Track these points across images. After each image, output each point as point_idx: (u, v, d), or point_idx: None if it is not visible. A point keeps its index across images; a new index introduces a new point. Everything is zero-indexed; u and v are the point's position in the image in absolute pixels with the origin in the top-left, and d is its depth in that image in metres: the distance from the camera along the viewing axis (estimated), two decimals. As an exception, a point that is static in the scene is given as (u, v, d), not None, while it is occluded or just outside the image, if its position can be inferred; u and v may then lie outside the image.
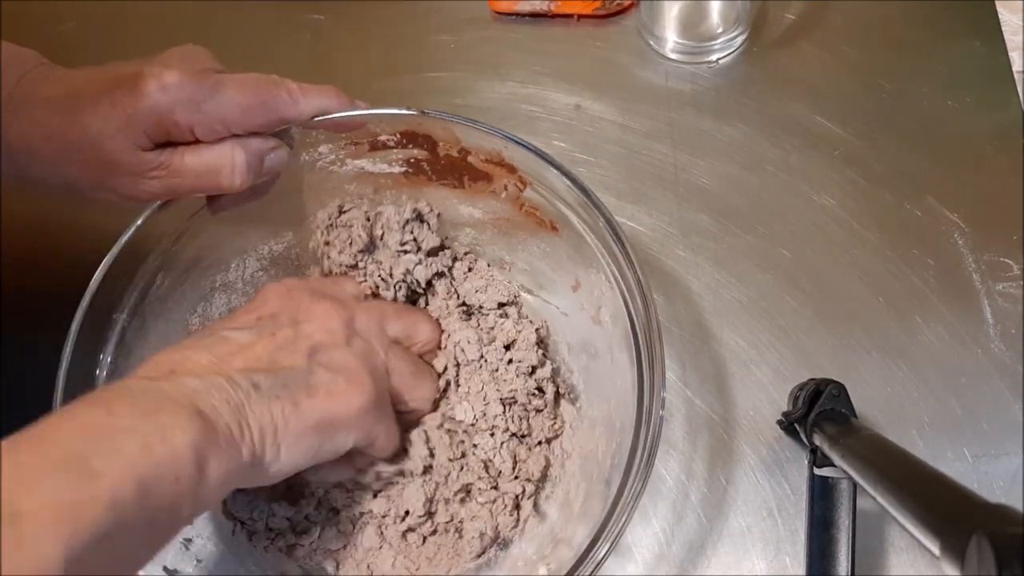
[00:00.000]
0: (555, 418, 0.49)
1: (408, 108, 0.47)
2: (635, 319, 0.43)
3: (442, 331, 0.48)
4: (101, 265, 0.44)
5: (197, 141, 0.42)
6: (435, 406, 0.47)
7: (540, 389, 0.47)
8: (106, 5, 0.70)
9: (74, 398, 0.42)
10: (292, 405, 0.37)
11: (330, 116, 0.45)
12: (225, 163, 0.43)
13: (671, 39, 0.64)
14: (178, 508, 0.32)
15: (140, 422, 0.31)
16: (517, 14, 0.68)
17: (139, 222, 0.45)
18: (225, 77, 0.42)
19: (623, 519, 0.38)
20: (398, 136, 0.49)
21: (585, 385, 0.50)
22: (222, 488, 0.34)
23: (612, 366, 0.46)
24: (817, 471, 0.45)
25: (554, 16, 0.67)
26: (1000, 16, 0.64)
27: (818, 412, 0.45)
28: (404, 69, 0.66)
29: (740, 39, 0.65)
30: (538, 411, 0.48)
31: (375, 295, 0.48)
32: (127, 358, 0.46)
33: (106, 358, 0.45)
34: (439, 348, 0.48)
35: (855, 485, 0.44)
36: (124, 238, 0.45)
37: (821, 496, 0.45)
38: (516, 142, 0.46)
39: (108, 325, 0.45)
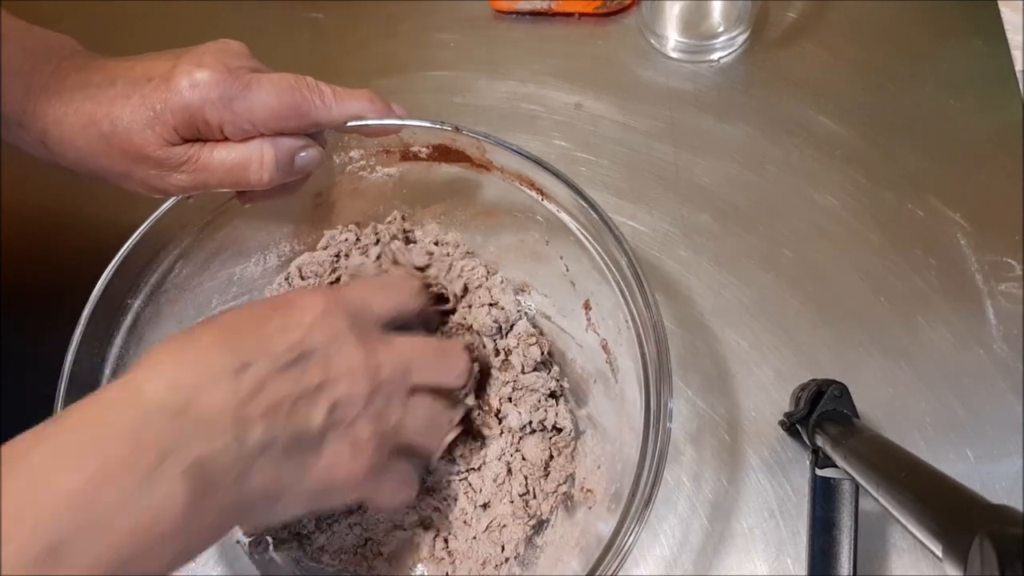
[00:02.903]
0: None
1: (442, 123, 0.46)
2: (641, 331, 0.43)
3: (471, 372, 0.45)
4: (121, 250, 0.45)
5: (226, 139, 0.42)
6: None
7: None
8: (106, 5, 0.70)
9: (80, 382, 0.43)
10: (296, 470, 0.35)
11: (363, 123, 0.45)
12: (253, 159, 0.42)
13: (672, 38, 0.64)
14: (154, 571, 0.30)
15: (130, 502, 0.29)
16: (517, 12, 0.67)
17: (163, 210, 0.45)
18: (258, 77, 0.42)
19: (632, 532, 0.38)
20: (430, 148, 0.49)
21: (595, 410, 0.50)
22: (205, 544, 0.33)
23: (620, 386, 0.46)
24: (819, 472, 0.44)
25: (555, 15, 0.67)
26: (1002, 15, 0.64)
27: (820, 413, 0.45)
28: (404, 68, 0.66)
29: (741, 38, 0.64)
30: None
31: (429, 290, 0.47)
32: (138, 344, 0.46)
33: (117, 342, 0.46)
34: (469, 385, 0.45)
35: (857, 486, 0.43)
36: (147, 225, 0.45)
37: (823, 497, 0.44)
38: (547, 169, 0.45)
39: (122, 310, 0.46)
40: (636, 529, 0.38)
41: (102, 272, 0.45)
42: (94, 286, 0.44)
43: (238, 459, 0.32)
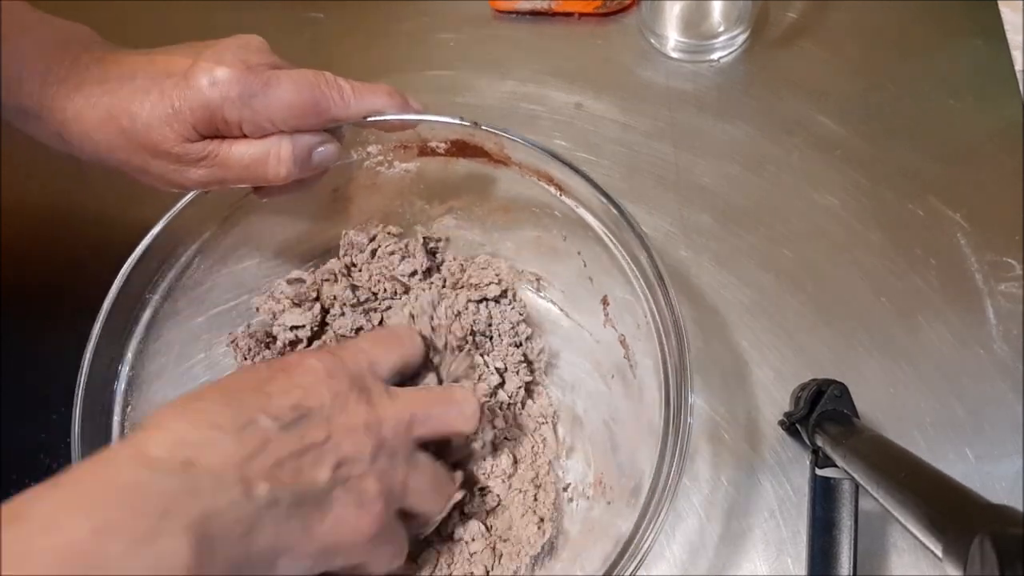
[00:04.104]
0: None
1: (461, 119, 0.46)
2: (660, 327, 0.43)
3: (482, 413, 0.44)
4: (140, 245, 0.45)
5: (244, 136, 0.42)
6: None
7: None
8: (106, 4, 0.70)
9: (98, 377, 0.43)
10: (302, 528, 0.34)
11: (382, 118, 0.45)
12: (271, 155, 0.42)
13: (672, 38, 0.64)
14: None
15: (134, 554, 0.28)
16: (518, 12, 0.67)
17: (181, 206, 0.46)
18: (277, 74, 0.41)
19: (652, 531, 0.38)
20: (448, 144, 0.49)
21: (613, 405, 0.50)
22: None
23: (638, 382, 0.46)
24: (819, 472, 0.44)
25: (555, 14, 0.67)
26: (1002, 15, 0.64)
27: (820, 412, 0.45)
28: (404, 67, 0.66)
29: (741, 38, 0.64)
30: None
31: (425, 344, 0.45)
32: (156, 340, 0.47)
33: (135, 337, 0.46)
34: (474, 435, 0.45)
35: (857, 486, 0.43)
36: (165, 220, 0.45)
37: (823, 497, 0.44)
38: (567, 165, 0.45)
39: (140, 305, 0.46)
40: (656, 526, 0.38)
41: (105, 272, 0.44)
42: (96, 286, 0.44)
43: (244, 515, 0.32)
